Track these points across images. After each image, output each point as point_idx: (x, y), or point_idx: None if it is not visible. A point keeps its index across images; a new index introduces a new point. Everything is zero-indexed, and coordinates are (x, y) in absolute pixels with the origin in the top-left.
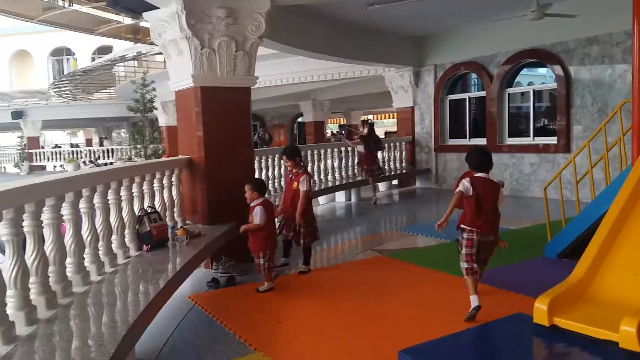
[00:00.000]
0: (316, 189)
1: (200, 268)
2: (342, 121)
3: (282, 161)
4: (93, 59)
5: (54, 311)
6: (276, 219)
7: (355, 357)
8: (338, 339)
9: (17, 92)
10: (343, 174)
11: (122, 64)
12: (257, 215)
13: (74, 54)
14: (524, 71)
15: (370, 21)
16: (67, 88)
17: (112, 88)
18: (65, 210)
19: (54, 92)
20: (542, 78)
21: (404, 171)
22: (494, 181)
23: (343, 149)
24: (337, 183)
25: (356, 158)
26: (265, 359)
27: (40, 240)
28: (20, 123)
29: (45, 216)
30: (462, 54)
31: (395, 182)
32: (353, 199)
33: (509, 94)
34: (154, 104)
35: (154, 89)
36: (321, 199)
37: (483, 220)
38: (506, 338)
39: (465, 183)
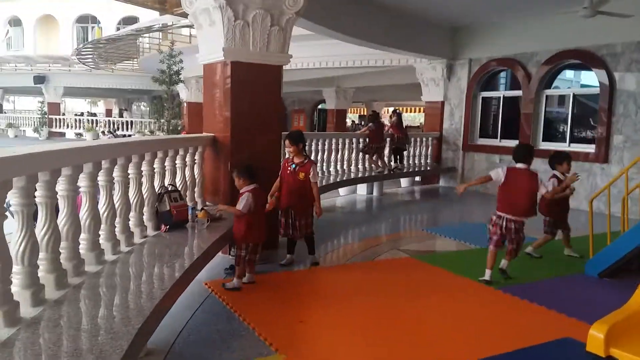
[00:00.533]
0: (338, 179)
1: (218, 252)
2: (363, 111)
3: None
4: (118, 29)
5: (63, 291)
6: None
7: None
8: (365, 345)
9: (41, 57)
10: (366, 165)
11: (147, 35)
12: (242, 201)
13: (99, 23)
14: (565, 75)
15: (406, 7)
16: (90, 56)
17: (135, 59)
18: (83, 182)
19: (78, 59)
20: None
21: (428, 168)
22: (532, 172)
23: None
24: (360, 175)
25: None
26: None
27: (53, 212)
28: (42, 88)
29: (61, 187)
30: (500, 49)
31: (418, 179)
32: (375, 193)
33: (546, 96)
34: (180, 77)
35: (181, 61)
36: (342, 191)
37: (511, 205)
38: None
39: (499, 171)
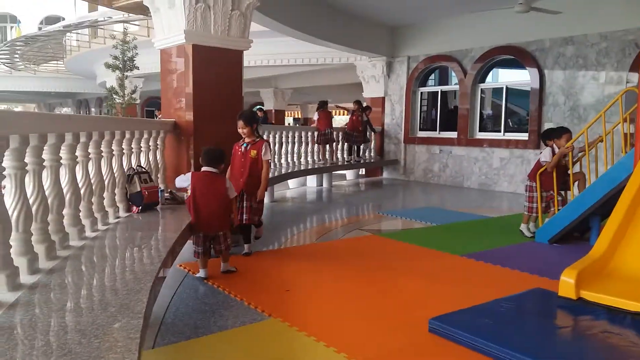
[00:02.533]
0: (289, 171)
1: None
2: (298, 114)
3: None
4: (40, 29)
5: (55, 262)
6: None
7: (382, 322)
8: (349, 304)
9: None
10: (315, 158)
11: (75, 32)
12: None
13: (19, 22)
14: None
15: (348, 5)
16: (9, 56)
17: (60, 60)
18: (64, 154)
19: None
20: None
21: (372, 161)
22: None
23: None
24: (310, 167)
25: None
26: (283, 324)
27: (41, 182)
28: None
29: (46, 155)
30: (437, 46)
31: (362, 172)
32: (325, 185)
33: (481, 89)
34: (135, 63)
35: (135, 47)
36: (291, 183)
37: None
38: (533, 310)
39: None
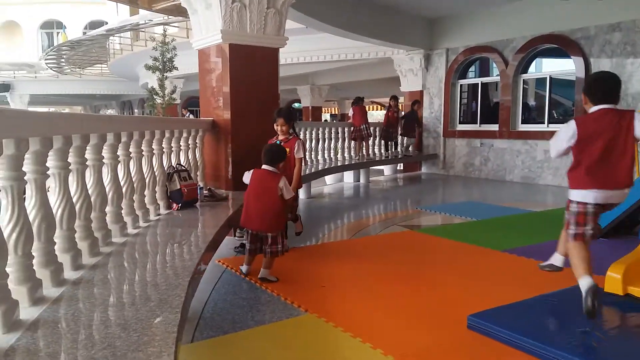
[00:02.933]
0: (326, 167)
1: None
2: (335, 110)
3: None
4: (84, 34)
5: (97, 259)
6: None
7: (419, 319)
8: (393, 302)
9: (5, 64)
10: (352, 154)
11: (118, 35)
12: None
13: (65, 27)
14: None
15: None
16: (55, 61)
17: (105, 63)
18: (106, 154)
19: (45, 63)
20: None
21: (410, 155)
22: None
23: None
24: (347, 163)
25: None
26: (320, 319)
27: (83, 181)
28: (6, 96)
29: (89, 155)
30: (476, 37)
31: (400, 167)
32: (362, 180)
33: (524, 80)
34: (174, 64)
35: (174, 48)
36: (328, 180)
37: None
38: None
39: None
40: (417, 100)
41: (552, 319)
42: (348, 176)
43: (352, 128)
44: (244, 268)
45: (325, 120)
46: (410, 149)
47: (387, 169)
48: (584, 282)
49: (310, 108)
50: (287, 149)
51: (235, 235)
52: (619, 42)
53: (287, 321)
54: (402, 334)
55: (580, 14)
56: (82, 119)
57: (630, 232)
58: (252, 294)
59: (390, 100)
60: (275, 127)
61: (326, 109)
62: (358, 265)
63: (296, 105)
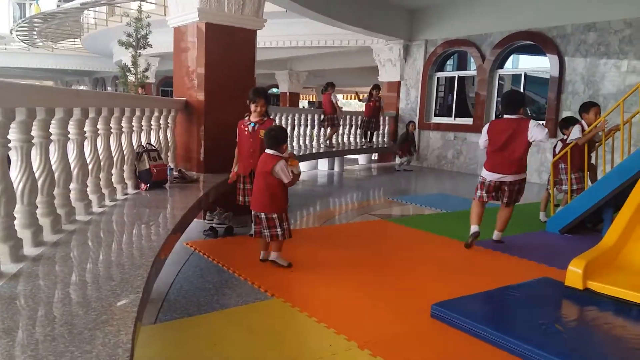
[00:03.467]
0: (300, 154)
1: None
2: (313, 97)
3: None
4: (58, 6)
5: (59, 235)
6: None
7: (385, 307)
8: (359, 289)
9: None
10: (321, 141)
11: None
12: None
13: None
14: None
15: None
16: (27, 33)
17: (78, 38)
18: (72, 129)
19: (17, 35)
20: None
21: (385, 146)
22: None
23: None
24: (322, 150)
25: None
26: (285, 304)
27: (47, 155)
28: None
29: (53, 130)
30: (456, 30)
31: (374, 157)
32: (336, 169)
33: (500, 75)
34: (148, 41)
35: (149, 24)
36: (302, 166)
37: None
38: (538, 299)
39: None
40: (412, 121)
41: (513, 310)
42: (322, 164)
43: (322, 116)
44: (261, 255)
45: (303, 107)
46: (409, 163)
47: (361, 159)
48: (473, 228)
49: (287, 94)
50: (264, 131)
51: (205, 218)
52: (594, 42)
53: (252, 305)
54: (367, 321)
55: (557, 12)
56: (48, 91)
57: (594, 229)
58: (218, 277)
59: (372, 89)
60: (253, 107)
61: (304, 95)
62: (327, 252)
63: (274, 90)
